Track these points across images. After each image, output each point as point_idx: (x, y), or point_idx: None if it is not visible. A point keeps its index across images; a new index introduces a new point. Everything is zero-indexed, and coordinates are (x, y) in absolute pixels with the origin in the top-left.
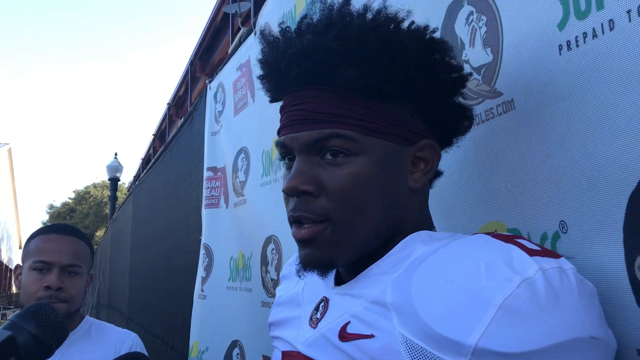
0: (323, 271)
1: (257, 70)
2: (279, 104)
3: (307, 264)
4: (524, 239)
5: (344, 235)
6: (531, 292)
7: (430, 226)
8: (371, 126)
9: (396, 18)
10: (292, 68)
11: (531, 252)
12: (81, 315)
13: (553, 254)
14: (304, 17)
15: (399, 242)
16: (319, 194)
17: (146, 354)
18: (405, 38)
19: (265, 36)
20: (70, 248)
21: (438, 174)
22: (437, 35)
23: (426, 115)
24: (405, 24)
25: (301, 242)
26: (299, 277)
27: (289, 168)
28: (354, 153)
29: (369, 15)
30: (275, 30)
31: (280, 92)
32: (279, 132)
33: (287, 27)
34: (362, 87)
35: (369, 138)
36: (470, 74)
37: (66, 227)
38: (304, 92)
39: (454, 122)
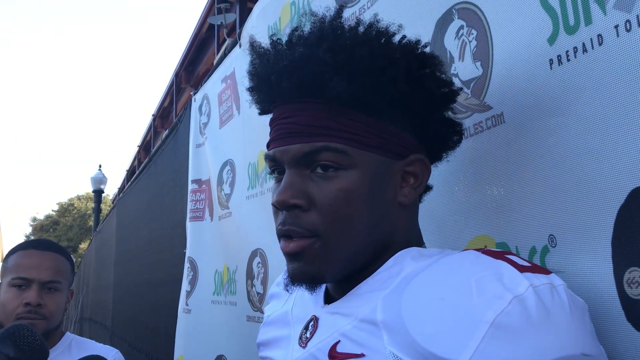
0: (311, 286)
1: (243, 82)
2: (265, 116)
3: (295, 278)
4: (514, 255)
5: (332, 250)
6: (522, 309)
7: (419, 242)
8: (362, 139)
9: (387, 32)
10: (282, 80)
11: (522, 269)
12: (61, 332)
13: (544, 270)
14: (295, 29)
15: (388, 258)
16: (309, 208)
17: None
18: (396, 52)
19: (255, 48)
20: (50, 264)
21: (427, 188)
22: (428, 50)
23: (416, 130)
24: (397, 38)
25: (289, 256)
26: (287, 291)
27: (278, 181)
28: (345, 167)
29: (361, 29)
30: (263, 41)
31: (270, 104)
32: (268, 145)
33: (278, 39)
34: (353, 100)
35: (360, 152)
36: (461, 89)
37: (46, 242)
38: (294, 104)
39: (444, 136)
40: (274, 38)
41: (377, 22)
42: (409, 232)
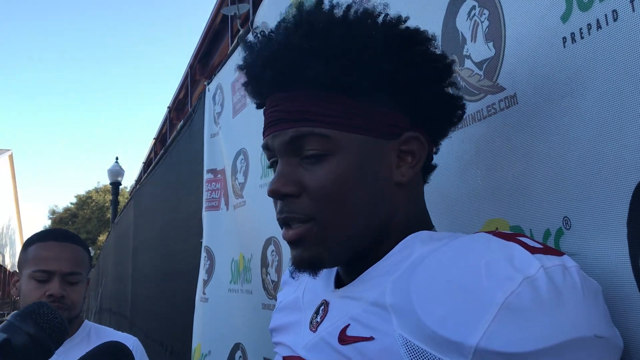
0: (313, 271)
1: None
2: None
3: (297, 265)
4: (526, 236)
5: (330, 234)
6: (533, 291)
7: (427, 223)
8: (346, 122)
9: (366, 11)
10: (266, 70)
11: (533, 250)
12: (80, 320)
13: (555, 252)
14: (281, 21)
15: (392, 239)
16: (301, 194)
17: (147, 358)
18: (372, 30)
19: (245, 42)
20: (70, 255)
21: (432, 167)
22: (421, 27)
23: (409, 108)
24: (381, 18)
25: (291, 244)
26: (293, 278)
27: (275, 172)
28: (331, 151)
29: (337, 11)
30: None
31: (261, 96)
32: (263, 136)
33: (262, 31)
34: (333, 83)
35: (346, 134)
36: (453, 61)
37: (64, 232)
38: (279, 93)
39: (443, 112)
40: (257, 32)
41: (355, 3)
42: (410, 212)
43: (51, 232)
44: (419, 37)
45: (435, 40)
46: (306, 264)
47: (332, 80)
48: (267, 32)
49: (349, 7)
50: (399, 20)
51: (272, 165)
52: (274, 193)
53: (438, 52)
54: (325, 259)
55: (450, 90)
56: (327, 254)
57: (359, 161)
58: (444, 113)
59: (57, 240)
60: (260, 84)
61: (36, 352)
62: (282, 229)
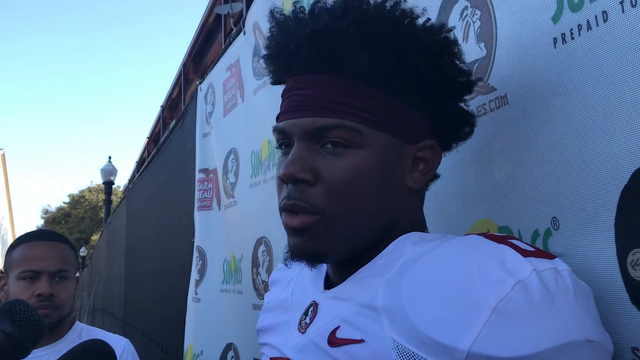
0: (312, 262)
1: (247, 71)
2: (267, 105)
3: (296, 254)
4: (517, 239)
5: (336, 229)
6: (525, 294)
7: (423, 228)
8: (377, 119)
9: (412, 12)
10: (302, 48)
11: (525, 253)
12: (71, 322)
13: (548, 255)
14: (317, 1)
15: (390, 242)
16: (315, 183)
17: None
18: (420, 33)
19: (274, 16)
20: (56, 254)
21: (435, 177)
22: (452, 36)
23: (430, 116)
24: (421, 21)
25: (293, 231)
26: (286, 265)
27: (285, 155)
28: (356, 145)
29: (387, 5)
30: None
31: (286, 73)
32: (278, 118)
33: (301, 7)
34: (372, 77)
35: (374, 131)
36: (480, 79)
37: (48, 232)
38: (311, 75)
39: (456, 126)
40: (297, 6)
41: (404, 1)
42: (414, 218)
43: (35, 232)
44: (454, 49)
45: (463, 55)
46: (307, 255)
47: (373, 74)
48: (302, 8)
49: (397, 3)
50: (442, 27)
51: (282, 147)
52: (287, 177)
53: (464, 67)
54: (328, 253)
55: (464, 106)
56: (329, 248)
57: (380, 160)
58: (457, 127)
59: (42, 240)
60: (291, 61)
61: (12, 351)
62: (282, 214)
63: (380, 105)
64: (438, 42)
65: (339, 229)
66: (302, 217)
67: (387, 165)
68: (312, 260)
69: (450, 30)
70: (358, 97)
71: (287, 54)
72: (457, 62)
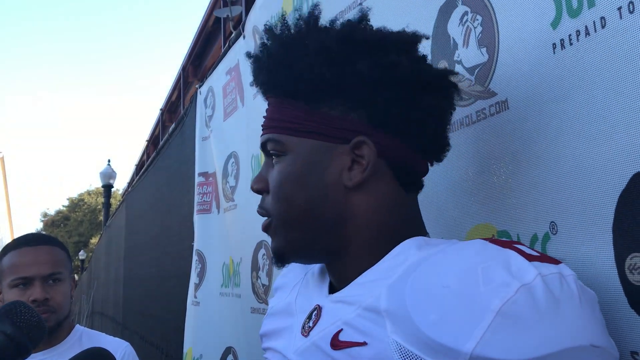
0: (279, 262)
1: (247, 74)
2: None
3: (272, 254)
4: (522, 244)
5: (283, 230)
6: (530, 298)
7: (417, 229)
8: (297, 127)
9: (310, 21)
10: (255, 81)
11: (530, 258)
12: (70, 325)
13: (553, 260)
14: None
15: (359, 242)
16: (268, 191)
17: None
18: (307, 38)
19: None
20: (46, 257)
21: (414, 179)
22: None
23: (365, 112)
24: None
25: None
26: (277, 267)
27: None
28: (283, 153)
29: (296, 23)
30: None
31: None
32: None
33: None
34: (283, 92)
35: (296, 139)
36: (420, 59)
37: (36, 236)
38: (267, 100)
39: (412, 117)
40: (297, 17)
41: (313, 10)
42: (373, 216)
43: (23, 238)
44: (369, 41)
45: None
46: (273, 255)
47: (279, 89)
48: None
49: (298, 20)
50: (348, 27)
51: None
52: (251, 189)
53: (414, 55)
54: (284, 252)
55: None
56: (284, 249)
57: (304, 163)
58: (414, 117)
59: (30, 245)
60: (260, 91)
61: (13, 352)
62: None
63: (301, 114)
64: (340, 41)
65: (285, 230)
66: (264, 222)
67: (312, 167)
68: (278, 259)
69: (364, 25)
70: (282, 110)
71: (256, 84)
72: (377, 52)
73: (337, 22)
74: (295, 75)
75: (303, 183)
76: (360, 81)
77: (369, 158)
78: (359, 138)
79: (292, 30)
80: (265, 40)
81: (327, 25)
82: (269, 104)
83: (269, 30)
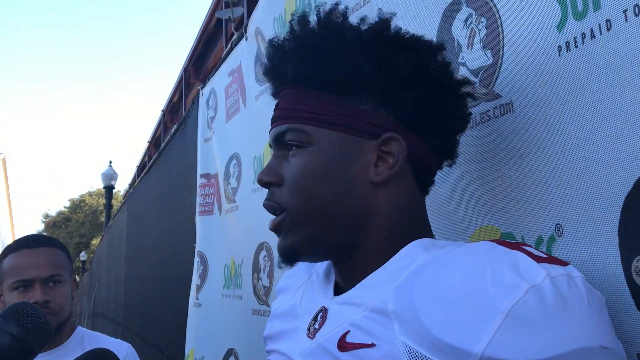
0: (289, 261)
1: (249, 75)
2: (269, 110)
3: (279, 254)
4: (530, 246)
5: (299, 225)
6: (539, 299)
7: (423, 230)
8: (324, 119)
9: (341, 14)
10: (275, 69)
11: (538, 259)
12: (72, 327)
13: (560, 262)
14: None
15: (374, 240)
16: (282, 184)
17: None
18: (344, 30)
19: (271, 41)
20: (46, 259)
21: (428, 180)
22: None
23: (395, 109)
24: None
25: (274, 233)
26: (280, 268)
27: None
28: (305, 144)
29: (328, 19)
30: (268, 34)
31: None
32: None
33: (288, 31)
34: (311, 81)
35: (322, 130)
36: (446, 65)
37: (36, 238)
38: (283, 90)
39: (437, 118)
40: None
41: (337, 6)
42: (394, 215)
43: (24, 239)
44: (412, 43)
45: (439, 50)
46: (283, 254)
47: (308, 78)
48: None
49: (329, 13)
50: (384, 25)
51: None
52: (259, 182)
53: (441, 60)
54: (297, 250)
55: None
56: (298, 246)
57: (330, 156)
58: (438, 119)
59: (29, 247)
60: (271, 82)
61: (19, 353)
62: None
63: (329, 106)
64: (382, 39)
65: (301, 225)
66: (275, 218)
67: (339, 161)
68: (288, 258)
69: (399, 28)
70: (306, 101)
71: (270, 74)
72: (417, 52)
73: (367, 18)
74: (331, 65)
75: (328, 176)
76: (397, 78)
77: (399, 155)
78: (390, 134)
79: (326, 21)
80: (296, 28)
81: (358, 21)
82: (284, 95)
83: (301, 19)
